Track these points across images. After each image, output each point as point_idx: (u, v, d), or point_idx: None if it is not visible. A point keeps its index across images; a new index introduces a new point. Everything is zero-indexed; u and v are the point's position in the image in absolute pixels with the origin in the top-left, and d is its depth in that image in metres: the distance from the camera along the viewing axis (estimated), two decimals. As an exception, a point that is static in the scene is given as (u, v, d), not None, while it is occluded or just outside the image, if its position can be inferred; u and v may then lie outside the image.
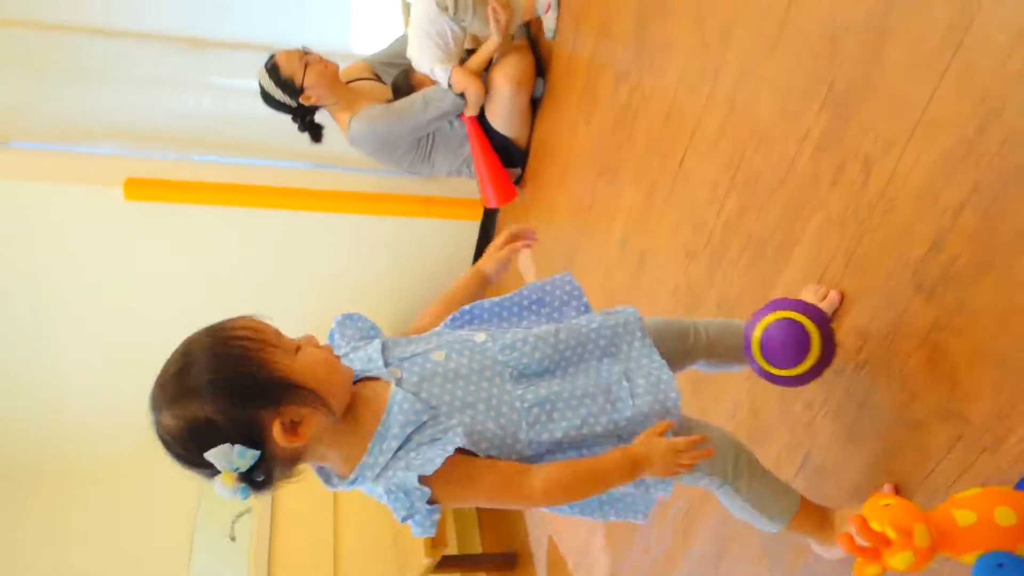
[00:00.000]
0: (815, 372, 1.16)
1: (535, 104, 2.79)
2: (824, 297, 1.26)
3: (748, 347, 1.16)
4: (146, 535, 3.97)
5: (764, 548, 1.45)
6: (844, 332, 1.25)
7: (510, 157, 2.82)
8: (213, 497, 3.84)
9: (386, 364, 1.04)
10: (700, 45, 1.71)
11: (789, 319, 1.14)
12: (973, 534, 0.85)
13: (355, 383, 1.03)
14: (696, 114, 1.73)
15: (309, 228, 3.20)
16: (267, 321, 0.99)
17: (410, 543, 2.68)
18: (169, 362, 0.94)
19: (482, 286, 1.24)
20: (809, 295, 1.29)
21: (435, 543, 2.49)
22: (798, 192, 1.38)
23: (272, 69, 2.65)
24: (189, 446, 0.91)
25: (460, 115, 2.74)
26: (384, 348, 1.07)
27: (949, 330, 1.05)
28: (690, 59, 1.76)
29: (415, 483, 0.93)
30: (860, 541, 0.85)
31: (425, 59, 2.62)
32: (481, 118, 2.75)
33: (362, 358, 1.06)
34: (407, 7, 3.95)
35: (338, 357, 1.02)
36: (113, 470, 3.95)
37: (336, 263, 3.39)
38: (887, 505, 0.87)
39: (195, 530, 4.00)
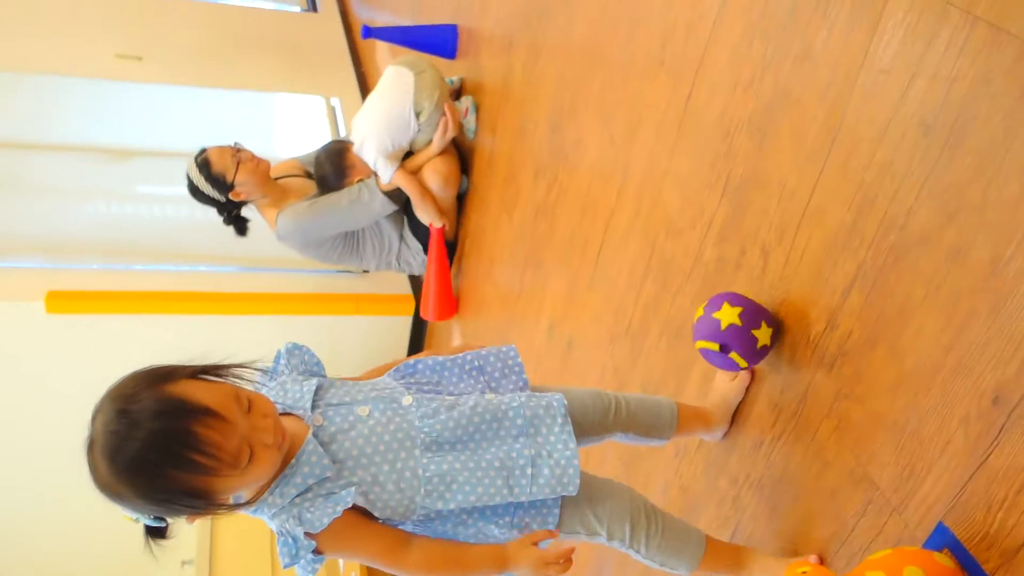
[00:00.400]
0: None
1: (461, 201, 2.88)
2: (735, 378, 1.33)
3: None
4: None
5: None
6: (760, 406, 1.32)
7: (438, 252, 2.89)
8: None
9: (314, 407, 1.08)
10: (608, 143, 1.82)
11: (707, 350, 1.24)
12: None
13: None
14: (609, 207, 1.83)
15: (240, 332, 3.19)
16: (233, 382, 1.01)
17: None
18: (108, 418, 0.93)
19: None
20: (723, 377, 1.36)
21: None
22: (707, 276, 1.46)
23: (203, 164, 2.67)
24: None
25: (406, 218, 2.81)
26: (319, 389, 1.11)
27: (851, 399, 1.13)
28: (600, 156, 1.87)
29: (301, 535, 0.99)
30: None
31: (373, 150, 2.65)
32: (409, 213, 2.82)
33: (294, 393, 1.10)
34: (333, 113, 4.07)
35: (283, 431, 1.02)
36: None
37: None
38: (804, 572, 0.91)
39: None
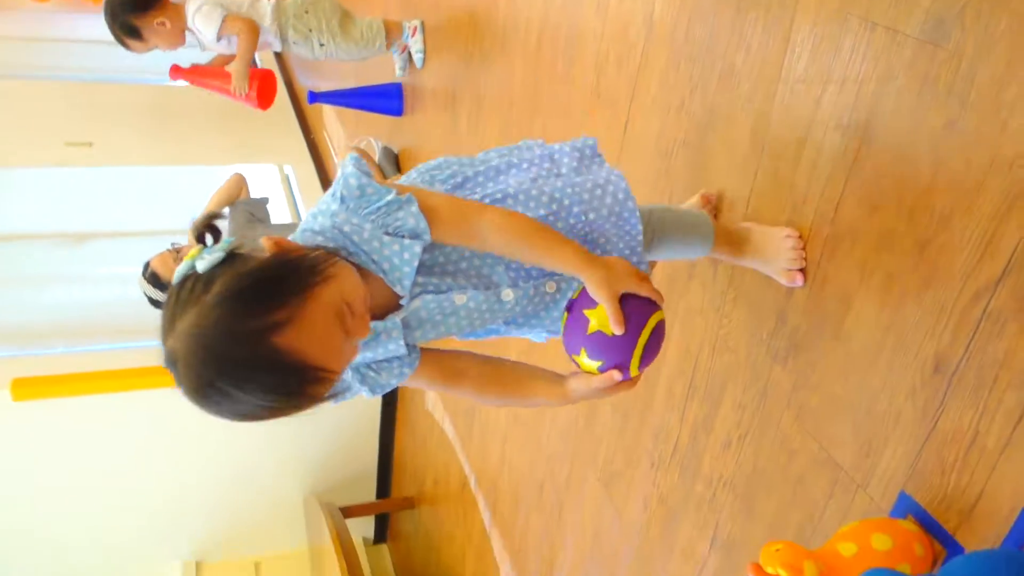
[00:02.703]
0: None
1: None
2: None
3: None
4: None
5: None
6: (725, 408, 1.38)
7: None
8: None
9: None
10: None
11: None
12: (856, 562, 0.95)
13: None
14: (565, 236, 1.90)
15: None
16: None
17: None
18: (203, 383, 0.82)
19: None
20: None
21: None
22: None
23: (152, 279, 2.67)
24: None
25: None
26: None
27: (807, 389, 1.19)
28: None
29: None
30: None
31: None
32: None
33: (393, 257, 0.94)
34: (287, 180, 4.12)
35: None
36: None
37: (240, 434, 3.35)
38: (778, 549, 0.96)
39: None
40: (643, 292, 0.96)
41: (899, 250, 1.02)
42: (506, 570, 2.49)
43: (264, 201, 2.70)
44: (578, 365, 1.00)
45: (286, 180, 4.18)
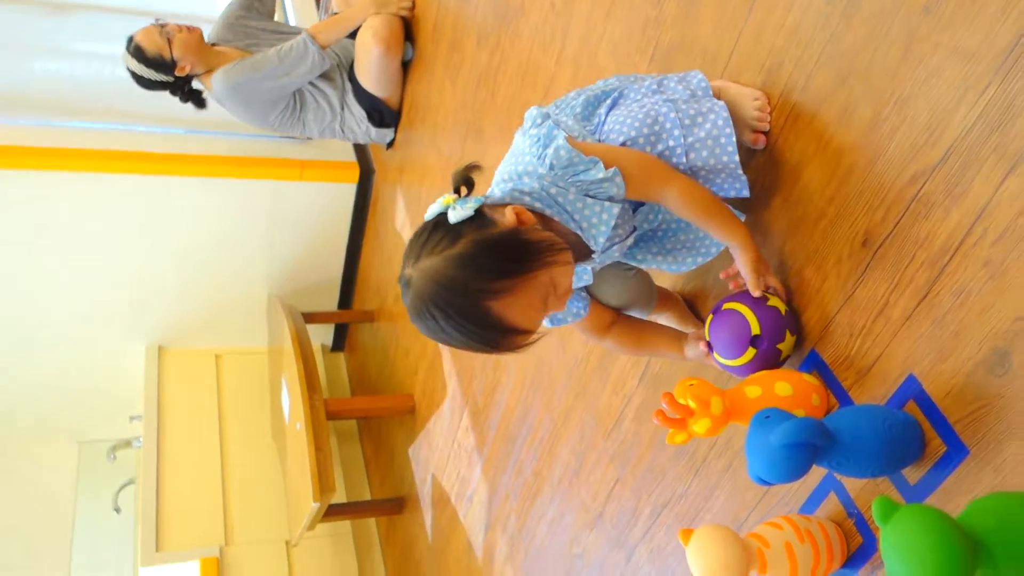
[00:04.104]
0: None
1: (405, 68, 2.89)
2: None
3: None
4: (25, 513, 3.90)
5: (612, 454, 1.66)
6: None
7: (382, 118, 2.92)
8: (92, 471, 3.82)
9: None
10: (550, 8, 1.88)
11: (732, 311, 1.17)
12: (758, 403, 1.06)
13: None
14: (549, 72, 1.90)
15: (183, 193, 3.21)
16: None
17: (299, 491, 2.79)
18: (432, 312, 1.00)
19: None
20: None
21: (323, 489, 2.61)
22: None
23: (136, 52, 2.62)
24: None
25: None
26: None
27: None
28: (542, 21, 1.93)
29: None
30: (670, 413, 1.05)
31: None
32: (352, 79, 2.83)
33: (597, 219, 1.10)
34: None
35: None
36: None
37: (211, 227, 3.41)
38: (691, 384, 1.06)
39: (76, 504, 3.96)
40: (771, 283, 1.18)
41: (856, 125, 1.07)
42: (452, 386, 2.65)
43: None
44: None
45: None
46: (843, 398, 1.09)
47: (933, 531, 0.72)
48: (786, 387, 1.08)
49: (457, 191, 1.07)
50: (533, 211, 1.06)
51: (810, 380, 1.11)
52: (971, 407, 0.92)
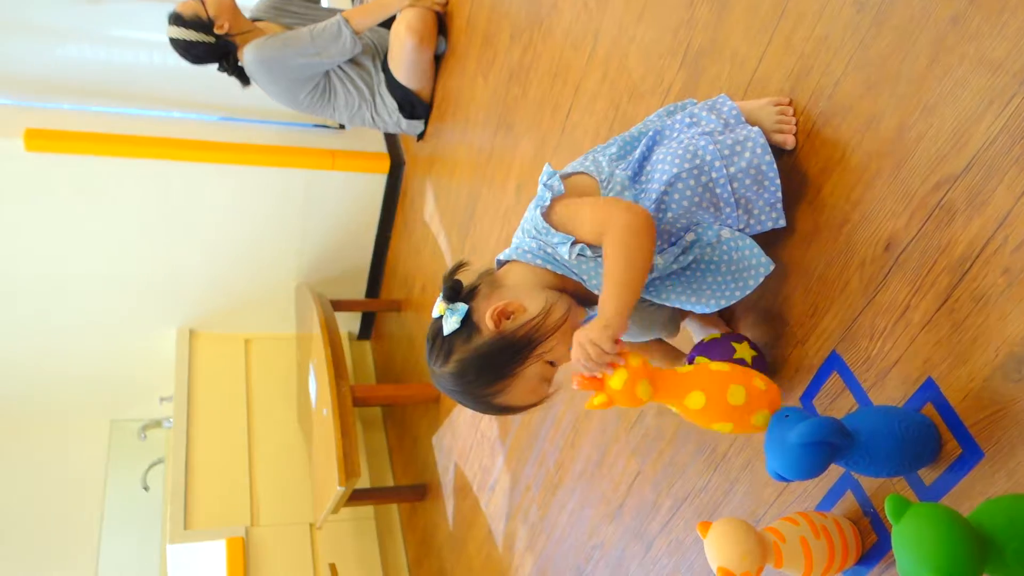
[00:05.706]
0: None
1: (438, 62, 2.93)
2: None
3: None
4: (56, 489, 4.00)
5: (634, 448, 1.69)
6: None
7: (414, 110, 2.96)
8: (122, 449, 3.91)
9: None
10: (583, 7, 1.90)
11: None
12: (686, 379, 1.04)
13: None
14: (580, 71, 1.93)
15: (215, 180, 3.27)
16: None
17: (325, 475, 2.85)
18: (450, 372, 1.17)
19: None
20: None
21: (349, 473, 2.66)
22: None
23: (176, 18, 2.73)
24: None
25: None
26: None
27: (774, 248, 1.29)
28: (575, 20, 1.95)
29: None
30: (588, 372, 1.05)
31: None
32: (385, 68, 2.88)
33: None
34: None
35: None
36: (16, 427, 3.95)
37: (244, 214, 3.48)
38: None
39: (106, 480, 4.06)
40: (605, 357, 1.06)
41: (883, 132, 1.09)
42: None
43: None
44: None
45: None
46: (862, 399, 1.12)
47: (943, 527, 0.74)
48: (722, 366, 1.08)
49: (448, 298, 1.16)
50: (535, 265, 1.17)
51: (759, 382, 1.08)
52: (987, 411, 0.94)
